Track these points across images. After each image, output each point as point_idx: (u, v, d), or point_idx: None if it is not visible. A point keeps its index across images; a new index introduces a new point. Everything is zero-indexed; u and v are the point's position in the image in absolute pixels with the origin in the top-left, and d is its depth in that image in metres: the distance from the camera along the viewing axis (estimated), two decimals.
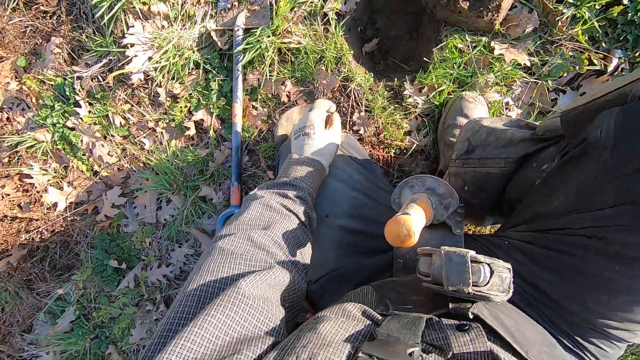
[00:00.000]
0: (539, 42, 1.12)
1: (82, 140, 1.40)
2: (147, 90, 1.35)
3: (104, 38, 1.32)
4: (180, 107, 1.34)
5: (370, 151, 1.22)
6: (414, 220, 0.56)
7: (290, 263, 0.63)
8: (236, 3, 1.28)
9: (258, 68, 1.26)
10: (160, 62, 1.28)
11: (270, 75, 1.24)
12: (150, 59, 1.29)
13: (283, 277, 0.57)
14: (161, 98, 1.33)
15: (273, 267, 0.56)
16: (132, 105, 1.37)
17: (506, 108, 1.17)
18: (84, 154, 1.42)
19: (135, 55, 1.26)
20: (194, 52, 1.29)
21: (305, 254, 0.69)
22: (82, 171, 1.44)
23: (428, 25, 1.21)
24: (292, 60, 1.24)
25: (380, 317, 0.51)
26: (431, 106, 1.18)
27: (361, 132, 1.21)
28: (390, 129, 1.19)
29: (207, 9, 1.30)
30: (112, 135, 1.39)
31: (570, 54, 1.11)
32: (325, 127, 0.87)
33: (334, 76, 1.20)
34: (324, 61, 1.21)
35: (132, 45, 1.26)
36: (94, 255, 1.43)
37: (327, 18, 1.21)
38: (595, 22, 1.06)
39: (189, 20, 1.30)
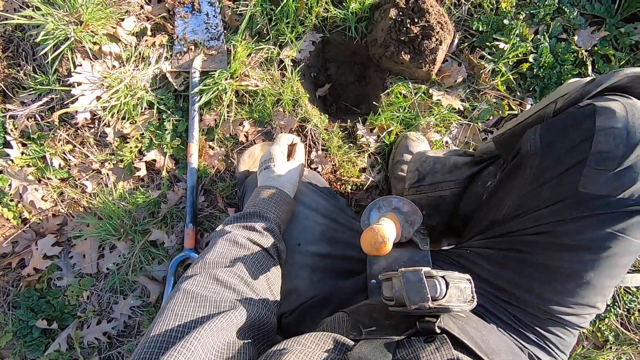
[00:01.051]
0: (468, 90, 1.30)
1: (10, 185, 1.26)
2: (92, 130, 1.28)
3: (46, 76, 1.24)
4: (130, 147, 1.28)
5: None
6: (387, 228, 0.60)
7: (258, 300, 0.62)
8: (192, 47, 1.31)
9: (215, 109, 1.28)
10: (109, 102, 1.24)
11: (227, 116, 1.26)
12: (98, 98, 1.24)
13: (251, 316, 0.56)
14: (109, 138, 1.27)
15: (238, 307, 0.55)
16: (75, 146, 1.28)
17: (446, 146, 1.31)
18: (11, 200, 1.27)
19: (82, 94, 1.21)
20: (147, 92, 1.28)
21: (274, 288, 0.68)
22: (7, 219, 1.27)
23: (375, 74, 1.35)
24: (250, 101, 1.28)
25: (353, 343, 0.52)
26: (382, 145, 1.28)
27: (319, 169, 1.26)
28: (346, 167, 1.25)
29: (162, 51, 1.31)
30: (49, 178, 1.28)
31: (494, 100, 1.30)
32: (288, 159, 0.91)
33: (291, 117, 1.26)
34: (281, 103, 1.26)
35: (79, 84, 1.21)
36: (16, 316, 1.24)
37: (283, 64, 1.29)
38: (510, 75, 1.26)
39: (143, 62, 1.29)
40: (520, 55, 1.26)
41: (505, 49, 1.25)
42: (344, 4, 1.26)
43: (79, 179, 1.29)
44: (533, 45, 1.28)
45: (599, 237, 0.52)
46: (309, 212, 0.86)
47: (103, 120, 1.25)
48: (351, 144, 1.28)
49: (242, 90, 1.26)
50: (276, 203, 0.76)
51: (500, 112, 1.29)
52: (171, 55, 1.31)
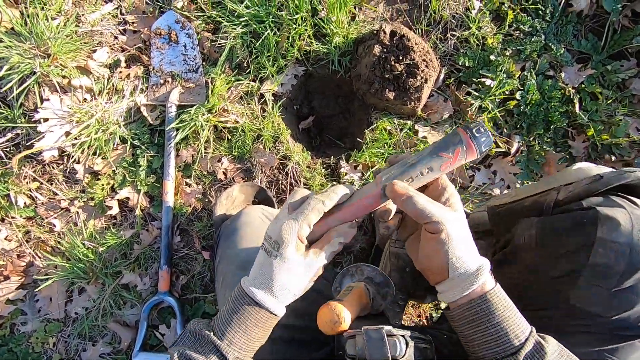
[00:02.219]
0: (454, 126, 1.27)
1: None
2: (61, 167, 1.21)
3: (11, 110, 1.17)
4: (102, 184, 1.21)
5: None
6: (345, 306, 0.56)
7: None
8: (169, 79, 1.25)
9: (192, 144, 1.22)
10: (79, 138, 1.17)
11: (205, 152, 1.21)
12: (67, 134, 1.17)
13: None
14: (79, 175, 1.20)
15: None
16: (42, 183, 1.21)
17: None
18: None
19: (50, 131, 1.14)
20: (120, 126, 1.21)
21: None
22: None
23: (359, 108, 1.31)
24: (229, 137, 1.22)
25: None
26: (366, 182, 1.24)
27: None
28: None
29: (138, 83, 1.25)
30: (13, 217, 1.20)
31: None
32: (307, 249, 0.55)
33: (272, 154, 1.20)
34: (262, 139, 1.21)
35: (46, 119, 1.14)
36: None
37: (264, 99, 1.24)
38: (497, 112, 1.24)
39: (116, 94, 1.23)
40: (507, 92, 1.24)
41: (492, 85, 1.23)
42: (327, 37, 1.22)
43: (46, 218, 1.22)
44: (520, 82, 1.26)
45: (586, 353, 0.48)
46: None
47: (72, 157, 1.19)
48: (335, 182, 1.24)
49: (221, 125, 1.21)
50: (249, 336, 0.54)
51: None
52: (147, 88, 1.25)
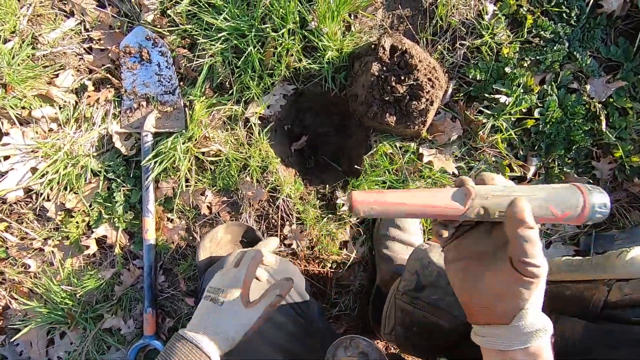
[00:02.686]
0: (464, 149, 1.13)
1: None
2: (30, 205, 1.10)
3: None
4: (76, 222, 1.11)
5: (305, 267, 1.11)
6: None
7: None
8: (144, 103, 1.12)
9: (172, 176, 1.10)
10: (47, 174, 1.06)
11: (187, 185, 1.09)
12: (34, 170, 1.06)
13: None
14: (50, 213, 1.10)
15: None
16: (10, 223, 1.11)
17: None
18: None
19: (12, 169, 1.03)
20: (91, 158, 1.10)
21: None
22: None
23: (357, 129, 1.17)
24: (212, 168, 1.10)
25: None
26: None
27: (294, 246, 1.10)
28: (325, 242, 1.10)
29: (109, 108, 1.12)
30: None
31: (493, 159, 1.14)
32: (250, 302, 0.62)
33: (260, 187, 1.09)
34: (249, 170, 1.09)
35: (7, 157, 1.02)
36: None
37: (249, 124, 1.11)
38: (513, 132, 1.10)
39: (86, 122, 1.11)
40: (524, 110, 1.09)
41: (506, 102, 1.08)
42: (318, 52, 1.07)
43: (20, 259, 1.13)
44: (539, 96, 1.11)
45: None
46: (264, 348, 0.71)
47: (41, 195, 1.08)
48: (330, 214, 1.12)
49: (202, 157, 1.09)
50: None
51: (499, 172, 1.13)
52: (119, 113, 1.12)
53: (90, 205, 1.12)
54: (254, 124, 1.10)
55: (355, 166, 1.12)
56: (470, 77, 1.11)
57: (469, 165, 1.14)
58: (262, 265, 0.72)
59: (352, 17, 1.10)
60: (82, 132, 1.10)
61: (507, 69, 1.09)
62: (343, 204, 1.11)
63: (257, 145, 1.09)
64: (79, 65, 1.10)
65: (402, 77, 0.98)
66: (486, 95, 1.10)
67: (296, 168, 1.21)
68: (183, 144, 1.07)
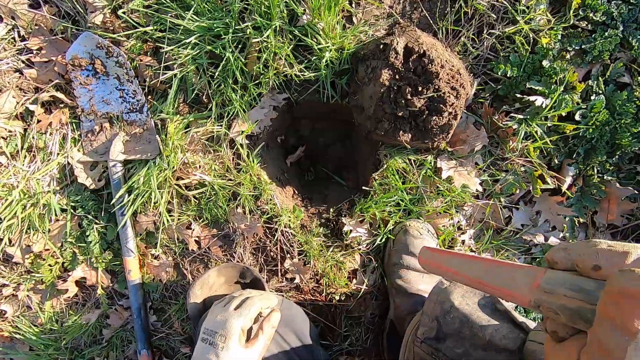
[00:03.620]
0: (489, 159, 0.97)
1: None
2: None
3: None
4: (49, 264, 0.98)
5: (310, 300, 1.00)
6: None
7: None
8: (107, 124, 0.93)
9: (152, 209, 0.95)
10: (2, 220, 0.90)
11: (170, 218, 0.94)
12: None
13: None
14: (16, 258, 0.96)
15: None
16: None
17: (458, 229, 1.02)
18: None
19: None
20: (54, 194, 0.93)
21: None
22: None
23: (363, 141, 1.00)
24: (197, 200, 0.94)
25: None
26: (376, 238, 0.98)
27: (297, 280, 0.98)
28: (331, 274, 0.97)
29: (66, 131, 0.93)
30: None
31: (522, 169, 0.98)
32: (247, 340, 0.66)
33: (254, 219, 0.94)
34: (239, 199, 0.93)
35: None
36: None
37: (235, 144, 0.93)
38: (547, 139, 0.92)
39: (40, 152, 0.93)
40: (563, 114, 0.91)
41: (543, 105, 0.90)
42: (313, 55, 0.87)
43: None
44: (581, 94, 0.92)
45: None
46: None
47: (1, 240, 0.93)
48: (336, 241, 0.99)
49: (183, 189, 0.93)
50: None
51: (531, 186, 0.98)
52: (80, 137, 0.94)
53: (61, 246, 0.98)
54: (241, 145, 0.92)
55: (363, 187, 0.96)
56: (499, 73, 0.91)
57: (495, 178, 0.98)
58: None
59: (354, 5, 0.88)
60: (38, 165, 0.92)
61: (545, 62, 0.89)
62: (350, 231, 0.97)
63: (247, 170, 0.93)
64: (20, 83, 0.89)
65: (420, 88, 0.79)
66: (517, 95, 0.92)
67: (293, 184, 1.05)
68: (159, 174, 0.90)
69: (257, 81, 0.89)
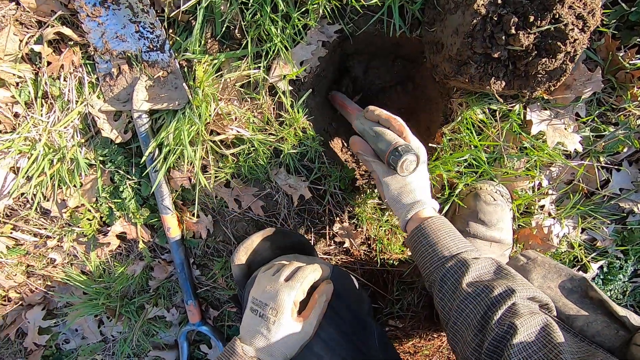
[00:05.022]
0: (597, 110, 0.76)
1: None
2: (28, 206, 0.92)
3: None
4: (87, 218, 0.94)
5: (361, 264, 0.92)
6: None
7: None
8: (125, 67, 0.79)
9: (186, 166, 0.85)
10: (31, 175, 0.84)
11: (206, 177, 0.84)
12: (15, 170, 0.84)
13: None
14: (54, 213, 0.92)
15: None
16: (15, 226, 0.95)
17: (538, 190, 0.86)
18: None
19: None
20: (80, 147, 0.84)
21: None
22: None
23: (432, 85, 0.80)
24: (236, 154, 0.82)
25: None
26: (439, 200, 0.85)
27: (346, 244, 0.89)
28: (385, 239, 0.87)
29: (82, 75, 0.80)
30: (3, 263, 1.01)
31: (638, 122, 0.76)
32: (299, 314, 0.62)
33: (300, 179, 0.82)
34: (283, 157, 0.80)
35: None
36: None
37: (276, 91, 0.77)
38: None
39: (58, 100, 0.81)
40: None
41: None
42: None
43: (42, 255, 1.02)
44: None
45: None
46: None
47: (34, 201, 0.88)
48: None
49: (218, 146, 0.80)
50: None
51: None
52: (97, 81, 0.81)
53: (96, 201, 0.92)
54: (284, 93, 0.76)
55: (429, 144, 0.80)
56: None
57: (599, 134, 0.78)
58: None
59: None
60: (57, 115, 0.82)
61: None
62: None
63: (291, 123, 0.78)
64: (19, 16, 0.74)
65: (531, 18, 0.56)
66: None
67: (343, 136, 0.90)
68: (190, 127, 0.77)
69: (303, 9, 0.68)
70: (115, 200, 0.91)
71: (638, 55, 0.68)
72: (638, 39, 0.69)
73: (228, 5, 0.69)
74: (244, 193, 0.86)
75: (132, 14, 0.73)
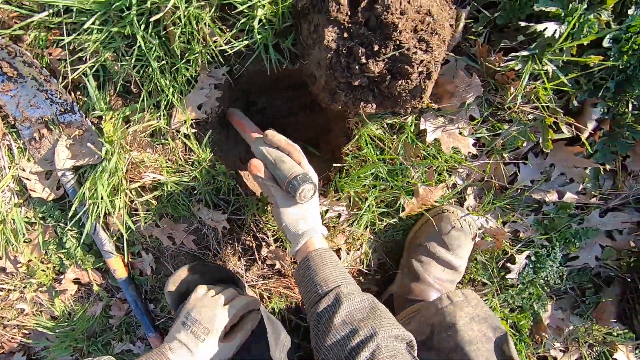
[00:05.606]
0: (487, 110, 0.78)
1: None
2: None
3: None
4: (41, 269, 1.01)
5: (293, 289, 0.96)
6: None
7: None
8: (44, 130, 0.85)
9: (116, 213, 0.90)
10: None
11: (135, 221, 0.90)
12: None
13: None
14: (9, 269, 0.99)
15: None
16: None
17: (458, 194, 0.89)
18: None
19: None
20: (17, 208, 0.91)
21: None
22: None
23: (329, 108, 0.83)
24: (157, 195, 0.88)
25: None
26: (356, 213, 0.88)
27: (277, 266, 0.93)
28: None
29: (11, 142, 0.87)
30: None
31: (530, 117, 0.78)
32: (224, 336, 0.69)
33: (218, 213, 0.86)
34: (199, 193, 0.85)
35: None
36: None
37: (180, 135, 0.82)
38: (563, 78, 0.71)
39: None
40: (585, 43, 0.68)
41: (556, 34, 0.67)
42: (243, 14, 0.68)
43: (10, 306, 1.09)
44: (613, 10, 0.67)
45: None
46: None
47: None
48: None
49: (139, 190, 0.85)
50: None
51: (540, 135, 0.79)
52: (24, 145, 0.87)
53: (46, 253, 0.98)
54: (187, 136, 0.81)
55: (334, 164, 0.84)
56: None
57: (495, 133, 0.81)
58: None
59: None
60: None
61: None
62: (327, 211, 0.87)
63: (201, 162, 0.83)
64: None
65: (376, 47, 0.60)
66: (521, 24, 0.68)
67: None
68: (109, 179, 0.83)
69: (187, 58, 0.73)
70: (63, 251, 0.97)
71: (506, 58, 0.71)
72: (505, 42, 0.72)
73: (120, 64, 0.74)
74: (174, 230, 0.92)
75: (37, 84, 0.79)
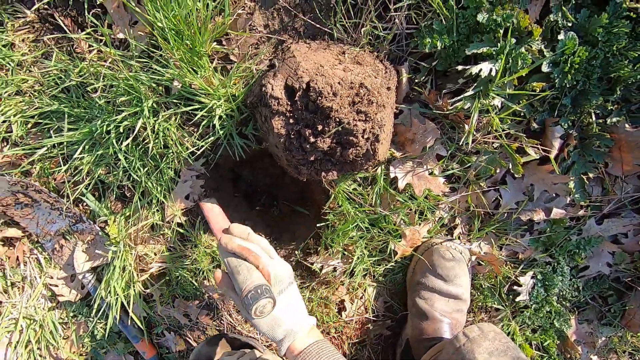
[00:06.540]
0: (452, 147, 0.81)
1: None
2: None
3: None
4: None
5: None
6: None
7: None
8: (62, 241, 0.96)
9: (131, 301, 0.98)
10: (22, 344, 1.01)
11: (151, 305, 0.97)
12: (8, 345, 1.02)
13: None
14: None
15: None
16: None
17: (447, 226, 0.90)
18: None
19: None
20: (51, 312, 1.01)
21: None
22: None
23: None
24: (167, 279, 0.95)
25: None
26: (351, 264, 0.91)
27: None
28: (318, 313, 0.94)
29: (37, 255, 0.98)
30: None
31: (496, 145, 0.80)
32: None
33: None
34: (202, 272, 0.92)
35: None
36: None
37: (173, 226, 0.90)
38: (515, 107, 0.72)
39: (23, 281, 1.00)
40: (523, 75, 0.70)
41: (492, 72, 0.69)
42: (205, 113, 0.76)
43: None
44: (544, 35, 0.69)
45: None
46: None
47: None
48: (314, 279, 0.94)
49: (148, 280, 0.93)
50: None
51: (508, 159, 0.80)
52: (49, 256, 0.99)
53: (82, 345, 1.08)
54: (180, 225, 0.89)
55: (317, 225, 0.88)
56: (427, 48, 0.71)
57: (466, 167, 0.82)
58: None
59: (224, 43, 0.73)
60: (29, 293, 1.00)
61: (480, 17, 0.67)
62: (322, 267, 0.91)
63: (199, 245, 0.90)
64: None
65: (319, 127, 0.65)
66: (457, 68, 0.72)
67: (259, 230, 1.00)
68: (122, 274, 0.92)
69: (166, 160, 0.82)
70: (96, 342, 1.06)
71: (452, 100, 0.73)
72: (450, 85, 0.75)
73: (113, 175, 0.84)
74: (188, 308, 0.98)
75: (49, 204, 0.90)
